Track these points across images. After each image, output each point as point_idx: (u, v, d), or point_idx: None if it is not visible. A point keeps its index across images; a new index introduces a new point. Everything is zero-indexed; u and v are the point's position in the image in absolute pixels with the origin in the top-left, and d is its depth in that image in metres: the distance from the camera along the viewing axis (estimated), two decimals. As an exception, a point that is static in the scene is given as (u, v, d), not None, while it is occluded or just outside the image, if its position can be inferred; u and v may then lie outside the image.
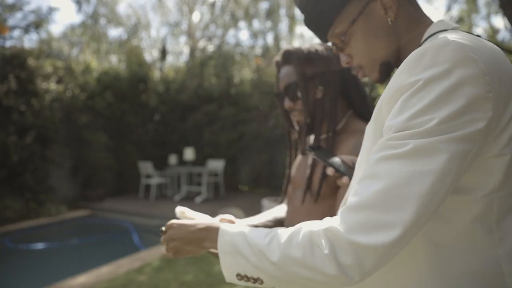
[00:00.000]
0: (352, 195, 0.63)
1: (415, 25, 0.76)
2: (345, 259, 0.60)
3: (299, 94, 1.20)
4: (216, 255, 0.84)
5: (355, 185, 0.65)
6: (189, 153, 8.68)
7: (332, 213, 1.16)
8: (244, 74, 9.64)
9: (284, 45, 10.02)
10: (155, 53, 12.87)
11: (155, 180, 8.45)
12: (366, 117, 1.22)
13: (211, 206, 7.40)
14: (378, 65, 0.79)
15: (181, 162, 9.50)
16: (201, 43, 11.16)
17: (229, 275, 0.74)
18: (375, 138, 0.69)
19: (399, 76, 0.63)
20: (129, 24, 12.70)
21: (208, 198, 8.40)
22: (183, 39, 12.98)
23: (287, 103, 1.22)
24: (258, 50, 9.67)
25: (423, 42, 0.73)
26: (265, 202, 5.69)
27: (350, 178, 0.87)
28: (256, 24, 9.82)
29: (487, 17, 6.42)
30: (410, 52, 0.74)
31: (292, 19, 10.10)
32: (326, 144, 1.17)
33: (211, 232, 0.78)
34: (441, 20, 0.74)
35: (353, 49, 0.80)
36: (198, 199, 8.06)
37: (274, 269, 0.67)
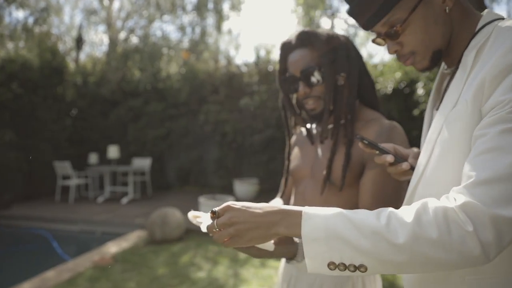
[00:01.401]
0: (474, 170, 0.61)
1: (466, 14, 0.80)
2: (487, 235, 0.57)
3: (315, 80, 1.14)
4: (263, 252, 0.77)
5: (471, 160, 0.63)
6: (113, 151, 8.10)
7: (353, 202, 1.14)
8: (172, 68, 9.29)
9: (211, 40, 9.89)
10: (69, 42, 11.72)
11: (74, 181, 7.71)
12: (373, 105, 1.22)
13: (139, 207, 7.01)
14: (431, 53, 0.82)
15: (104, 160, 8.82)
16: (123, 34, 10.48)
17: (316, 265, 0.66)
18: (473, 116, 0.69)
19: (507, 55, 0.65)
20: (37, 7, 11.36)
21: (135, 198, 7.95)
22: (101, 28, 12.05)
23: (303, 89, 1.16)
24: (186, 44, 9.39)
25: (479, 30, 0.77)
26: (202, 199, 5.57)
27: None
28: (183, 18, 9.52)
29: None
30: (461, 41, 0.80)
31: (219, 14, 10.00)
32: (344, 132, 1.14)
33: (289, 215, 0.68)
34: (489, 11, 0.79)
35: (408, 36, 0.80)
36: (125, 200, 7.57)
37: (396, 252, 0.61)
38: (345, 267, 0.64)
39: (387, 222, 0.62)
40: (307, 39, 1.16)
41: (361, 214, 0.65)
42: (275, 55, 8.65)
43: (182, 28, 9.28)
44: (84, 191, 8.57)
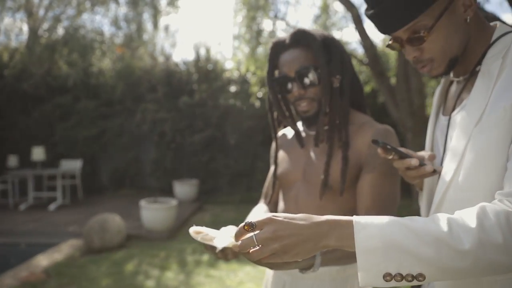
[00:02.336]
0: None
1: (482, 25, 0.84)
2: None
3: (310, 81, 1.12)
4: (280, 265, 0.71)
5: None
6: (37, 153, 7.35)
7: (350, 206, 1.13)
8: (105, 63, 8.71)
9: (147, 36, 9.47)
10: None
11: (-11, 187, 6.85)
12: (362, 109, 1.23)
13: (70, 213, 6.48)
14: (448, 60, 0.84)
15: (26, 163, 7.96)
16: (47, 24, 9.55)
17: (371, 278, 0.62)
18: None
19: None
20: None
21: (65, 204, 7.31)
22: (20, 15, 10.83)
23: (297, 90, 1.13)
24: (120, 39, 8.88)
25: (494, 41, 0.81)
26: (143, 203, 5.31)
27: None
28: (118, 11, 8.97)
29: None
30: (476, 51, 0.84)
31: (156, 10, 9.61)
32: (338, 135, 1.13)
33: (338, 226, 0.64)
34: (501, 24, 0.84)
35: (430, 43, 0.82)
36: (52, 206, 6.93)
37: (460, 258, 0.60)
38: (402, 277, 0.62)
39: (449, 229, 0.62)
40: (303, 38, 1.13)
41: (420, 222, 0.64)
42: (215, 53, 8.56)
43: (115, 22, 8.74)
44: (3, 198, 7.65)
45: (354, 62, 7.59)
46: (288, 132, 1.35)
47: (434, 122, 1.03)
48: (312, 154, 1.20)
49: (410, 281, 0.62)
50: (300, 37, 1.14)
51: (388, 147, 0.87)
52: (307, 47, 1.14)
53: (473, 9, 0.82)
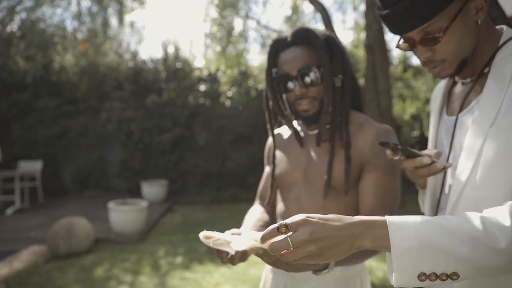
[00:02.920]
0: None
1: (490, 28, 0.87)
2: None
3: (312, 80, 1.10)
4: (299, 266, 0.71)
5: None
6: (-7, 154, 6.87)
7: (352, 206, 1.13)
8: (67, 59, 8.30)
9: (112, 32, 9.15)
10: None
11: None
12: (360, 108, 1.23)
13: (31, 218, 6.11)
14: (459, 62, 0.86)
15: (-21, 165, 7.43)
16: (0, 15, 8.93)
17: (406, 278, 0.62)
18: None
19: None
20: None
21: (24, 207, 6.89)
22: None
23: (299, 89, 1.11)
24: (83, 34, 8.49)
25: (503, 44, 0.84)
26: (112, 205, 5.10)
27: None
28: (81, 4, 8.57)
29: None
30: (484, 53, 0.86)
31: (121, 5, 9.29)
32: (339, 135, 1.12)
33: (373, 227, 0.63)
34: (508, 28, 0.87)
35: (444, 44, 0.83)
36: (10, 210, 6.51)
37: (496, 256, 0.61)
38: (436, 276, 0.62)
39: (484, 228, 0.62)
40: (305, 37, 1.12)
41: (454, 221, 0.64)
42: (184, 52, 8.40)
43: (78, 16, 8.35)
44: (-48, 202, 7.10)
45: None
46: (284, 131, 1.33)
47: (438, 121, 1.04)
48: (312, 154, 1.18)
49: (444, 280, 0.62)
50: (302, 36, 1.12)
51: (399, 147, 0.87)
52: (309, 46, 1.12)
53: (484, 12, 0.84)
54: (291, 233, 0.63)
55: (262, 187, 1.35)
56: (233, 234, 0.95)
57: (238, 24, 6.35)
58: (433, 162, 0.87)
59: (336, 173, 1.10)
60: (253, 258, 4.14)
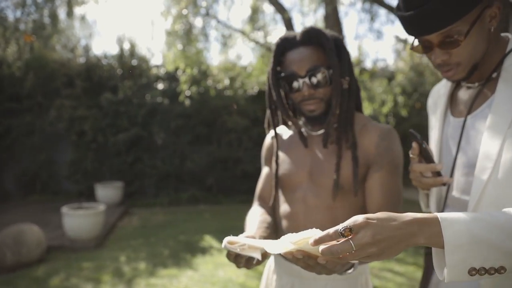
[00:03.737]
0: None
1: (498, 36, 0.92)
2: None
3: (321, 81, 1.10)
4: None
5: None
6: None
7: (359, 205, 1.14)
8: (10, 53, 7.64)
9: (62, 25, 8.60)
10: None
11: None
12: (359, 109, 1.25)
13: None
14: (471, 66, 0.90)
15: None
16: None
17: (457, 273, 0.65)
18: None
19: None
20: None
21: (-40, 214, 6.24)
22: None
23: (307, 89, 1.11)
24: (28, 26, 7.87)
25: (510, 51, 0.89)
26: (65, 209, 4.78)
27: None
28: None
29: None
30: (493, 59, 0.91)
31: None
32: (345, 136, 1.13)
33: (426, 225, 0.65)
34: None
35: (462, 48, 0.86)
36: None
37: None
38: (485, 271, 0.64)
39: None
40: (315, 37, 1.11)
41: (501, 217, 0.67)
42: (141, 49, 8.09)
43: (22, 5, 7.73)
44: None
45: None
46: (282, 131, 1.31)
47: (443, 123, 1.07)
48: (317, 154, 1.17)
49: (492, 274, 0.65)
50: (312, 36, 1.11)
51: (423, 146, 0.89)
52: (319, 47, 1.12)
53: (497, 20, 0.88)
54: (351, 235, 0.64)
55: (262, 188, 1.32)
56: (246, 237, 0.94)
57: (198, 22, 6.21)
58: (439, 174, 0.90)
59: (344, 174, 1.11)
60: (219, 259, 4.08)
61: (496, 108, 0.87)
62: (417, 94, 8.10)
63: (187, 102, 7.09)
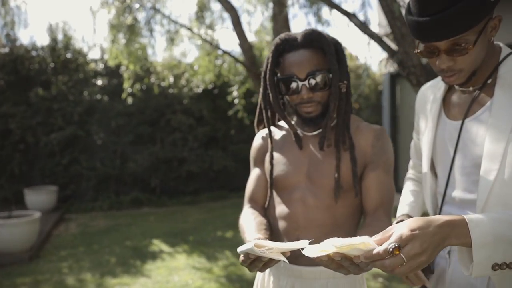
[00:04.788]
0: None
1: (493, 44, 0.99)
2: None
3: (320, 84, 1.11)
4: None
5: None
6: None
7: (355, 204, 1.16)
8: None
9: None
10: None
11: None
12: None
13: None
14: (470, 73, 0.96)
15: None
16: None
17: (482, 269, 0.72)
18: None
19: None
20: None
21: None
22: None
23: (306, 93, 1.11)
24: None
25: (503, 59, 0.97)
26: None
27: None
28: None
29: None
30: (488, 65, 0.98)
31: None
32: (343, 137, 1.15)
33: (456, 226, 0.71)
34: (503, 45, 1.01)
35: (468, 56, 0.92)
36: None
37: None
38: (506, 265, 0.72)
39: None
40: (316, 40, 1.11)
41: None
42: (77, 41, 7.49)
43: None
44: None
45: (233, 63, 7.75)
46: (275, 132, 1.30)
47: (436, 125, 1.12)
48: (314, 155, 1.18)
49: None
50: (313, 39, 1.11)
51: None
52: (319, 50, 1.12)
53: (496, 31, 0.94)
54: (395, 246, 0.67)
55: (253, 189, 1.29)
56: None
57: (142, 16, 5.89)
58: None
59: (343, 174, 1.13)
60: (172, 263, 3.93)
61: (496, 113, 0.94)
62: (355, 95, 8.54)
63: (130, 99, 6.71)
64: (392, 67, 6.26)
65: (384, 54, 6.58)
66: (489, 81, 0.99)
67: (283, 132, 1.27)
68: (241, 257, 0.90)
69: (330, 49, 1.10)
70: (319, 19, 6.09)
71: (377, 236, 0.70)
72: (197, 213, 6.69)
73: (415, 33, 0.94)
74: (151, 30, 6.20)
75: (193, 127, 7.92)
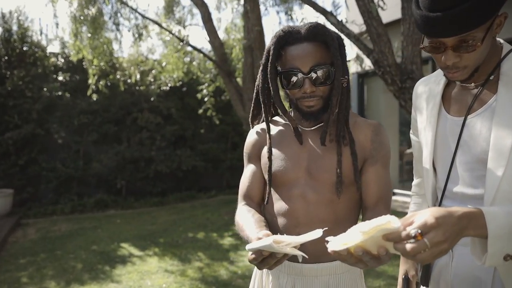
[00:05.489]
0: None
1: (495, 40, 0.98)
2: None
3: (324, 79, 1.09)
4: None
5: None
6: None
7: (355, 199, 1.16)
8: None
9: None
10: None
11: None
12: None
13: None
14: (474, 69, 0.96)
15: None
16: None
17: (495, 259, 0.76)
18: None
19: None
20: None
21: None
22: None
23: (309, 87, 1.09)
24: None
25: (505, 56, 0.97)
26: None
27: None
28: None
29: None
30: (489, 62, 0.98)
31: None
32: (343, 132, 1.14)
33: (474, 218, 0.75)
34: (504, 42, 1.01)
35: (474, 53, 0.91)
36: None
37: None
38: None
39: None
40: (321, 34, 1.09)
41: None
42: (35, 32, 7.04)
43: None
44: None
45: (202, 60, 7.58)
46: (272, 127, 1.26)
47: (437, 121, 1.11)
48: (314, 150, 1.16)
49: None
50: (317, 33, 1.09)
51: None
52: (323, 44, 1.10)
53: (501, 28, 0.93)
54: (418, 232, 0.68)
55: (248, 186, 1.25)
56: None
57: (108, 8, 5.60)
58: None
59: (344, 169, 1.12)
60: (143, 267, 3.76)
61: (501, 110, 0.94)
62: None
63: (95, 96, 6.39)
64: (359, 67, 6.38)
65: (352, 54, 6.70)
66: (491, 78, 0.99)
67: (280, 127, 1.24)
68: (251, 255, 0.87)
69: (334, 43, 1.08)
70: (290, 17, 6.10)
71: (404, 233, 0.70)
72: (166, 214, 6.49)
73: (424, 28, 0.92)
74: (117, 24, 5.93)
75: (161, 126, 7.69)
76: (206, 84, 6.79)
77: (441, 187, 1.09)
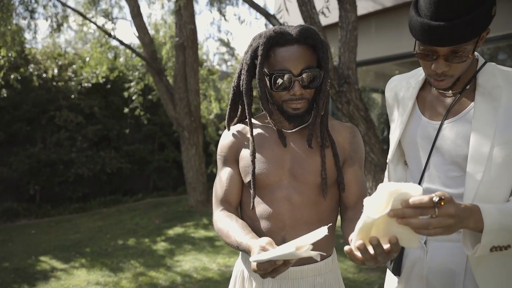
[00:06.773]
0: None
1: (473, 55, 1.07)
2: None
3: (312, 82, 1.10)
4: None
5: None
6: None
7: (336, 199, 1.19)
8: None
9: None
10: None
11: None
12: None
13: None
14: (456, 78, 1.04)
15: None
16: None
17: (483, 250, 0.87)
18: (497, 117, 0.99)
19: None
20: None
21: None
22: None
23: (299, 89, 1.09)
24: None
25: (481, 68, 1.06)
26: None
27: None
28: None
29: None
30: (466, 72, 1.06)
31: None
32: (325, 134, 1.16)
33: (474, 212, 0.85)
34: (477, 54, 1.09)
35: (462, 63, 0.98)
36: None
37: None
38: (500, 248, 0.87)
39: None
40: (311, 37, 1.09)
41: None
42: None
43: None
44: None
45: (129, 56, 7.14)
46: (247, 129, 1.24)
47: (408, 121, 1.18)
48: (297, 152, 1.17)
49: (502, 250, 0.89)
50: (308, 36, 1.09)
51: None
52: (313, 47, 1.11)
53: (483, 42, 1.01)
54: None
55: (226, 191, 1.21)
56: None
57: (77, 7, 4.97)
58: None
59: (327, 171, 1.15)
60: (70, 281, 3.45)
61: (479, 118, 1.02)
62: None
63: (4, 92, 5.64)
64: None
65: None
66: (467, 87, 1.07)
67: (259, 130, 1.21)
68: (259, 265, 0.84)
69: (324, 48, 1.10)
70: (223, 16, 6.06)
71: (426, 197, 0.76)
72: (89, 221, 5.99)
73: (423, 35, 0.95)
74: (31, 11, 5.31)
75: (82, 126, 7.08)
76: (134, 82, 6.42)
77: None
